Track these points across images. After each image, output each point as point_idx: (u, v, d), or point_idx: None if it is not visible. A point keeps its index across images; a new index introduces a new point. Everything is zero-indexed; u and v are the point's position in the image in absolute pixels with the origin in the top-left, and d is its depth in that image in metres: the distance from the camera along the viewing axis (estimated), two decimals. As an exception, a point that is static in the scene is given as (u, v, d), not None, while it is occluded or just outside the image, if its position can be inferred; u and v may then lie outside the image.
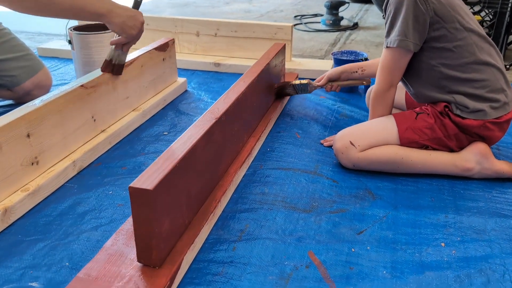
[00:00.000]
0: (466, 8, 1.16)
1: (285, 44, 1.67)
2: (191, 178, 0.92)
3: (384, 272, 0.89)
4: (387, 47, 1.16)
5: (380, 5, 2.90)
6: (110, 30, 1.62)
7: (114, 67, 1.35)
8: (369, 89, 1.50)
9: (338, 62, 1.82)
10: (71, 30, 1.63)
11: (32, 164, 1.09)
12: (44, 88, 1.64)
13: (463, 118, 1.14)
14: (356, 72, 1.45)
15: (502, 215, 1.06)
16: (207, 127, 0.99)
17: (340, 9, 2.98)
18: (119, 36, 1.29)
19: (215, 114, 1.05)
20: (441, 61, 1.14)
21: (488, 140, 1.17)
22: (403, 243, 0.97)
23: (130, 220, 0.94)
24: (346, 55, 1.86)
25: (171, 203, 0.84)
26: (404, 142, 1.17)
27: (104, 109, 1.34)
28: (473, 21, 1.14)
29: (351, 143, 1.19)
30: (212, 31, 2.08)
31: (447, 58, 1.13)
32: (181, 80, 1.79)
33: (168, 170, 0.81)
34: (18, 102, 1.57)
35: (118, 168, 1.24)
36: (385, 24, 1.17)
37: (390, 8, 1.13)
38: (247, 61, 2.02)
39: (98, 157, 1.29)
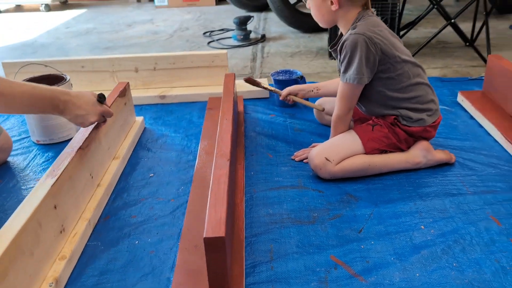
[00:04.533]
0: (400, 42, 1.46)
1: (234, 74, 1.86)
2: (231, 217, 1.08)
3: (392, 258, 1.14)
4: (346, 82, 1.42)
5: (275, 10, 3.18)
6: (62, 83, 1.67)
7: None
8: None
9: (277, 82, 2.04)
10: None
11: (61, 232, 1.15)
12: (6, 151, 1.63)
13: (409, 126, 1.45)
14: (312, 91, 1.70)
15: (451, 194, 1.38)
16: (227, 170, 1.15)
17: (248, 23, 3.21)
18: None
19: (226, 156, 1.22)
20: (386, 86, 1.44)
21: (428, 139, 1.51)
22: (394, 232, 1.24)
23: (175, 270, 1.07)
24: (281, 74, 2.09)
25: (229, 244, 1.00)
26: (368, 150, 1.45)
27: (96, 164, 1.41)
28: (405, 52, 1.45)
29: (327, 159, 1.43)
30: (150, 66, 2.18)
31: (390, 84, 1.43)
32: (139, 119, 1.88)
33: (225, 215, 0.97)
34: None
35: (128, 217, 1.33)
36: (341, 63, 1.43)
37: (346, 50, 1.38)
38: (190, 89, 2.16)
39: (103, 211, 1.36)
